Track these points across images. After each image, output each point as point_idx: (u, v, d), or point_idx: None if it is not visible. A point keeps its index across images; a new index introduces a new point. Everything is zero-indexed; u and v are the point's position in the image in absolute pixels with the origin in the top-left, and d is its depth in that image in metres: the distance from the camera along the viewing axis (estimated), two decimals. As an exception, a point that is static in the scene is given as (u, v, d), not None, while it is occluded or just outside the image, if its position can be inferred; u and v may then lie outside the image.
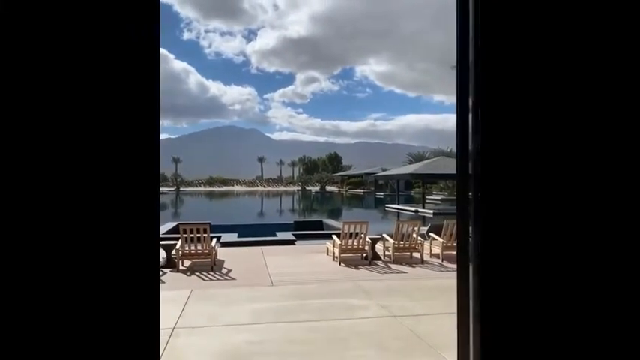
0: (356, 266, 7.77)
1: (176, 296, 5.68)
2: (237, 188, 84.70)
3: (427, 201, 24.32)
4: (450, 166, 20.98)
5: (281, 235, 11.57)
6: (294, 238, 11.28)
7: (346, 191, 57.23)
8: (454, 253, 8.41)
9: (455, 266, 7.05)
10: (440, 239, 8.42)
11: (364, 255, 8.18)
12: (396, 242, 8.17)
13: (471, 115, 1.63)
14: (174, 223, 12.61)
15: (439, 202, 28.79)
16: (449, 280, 6.89)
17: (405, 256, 8.35)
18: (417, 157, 41.48)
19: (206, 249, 7.46)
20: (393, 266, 7.82)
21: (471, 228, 1.76)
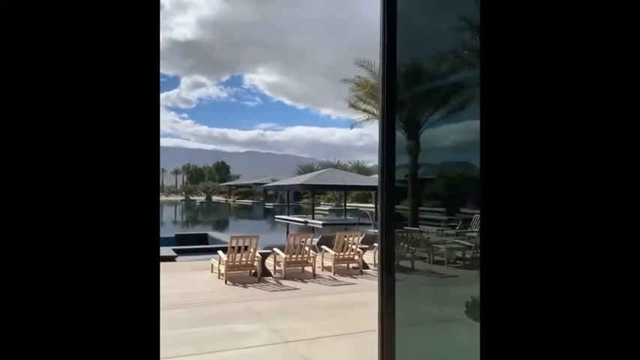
0: (244, 284, 7.13)
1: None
2: (111, 197, 76.57)
3: (316, 211, 24.57)
4: (336, 178, 21.51)
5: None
6: (174, 254, 10.14)
7: (234, 201, 55.76)
8: (345, 265, 8.33)
9: (348, 280, 6.77)
10: (332, 252, 8.21)
11: (253, 272, 7.57)
12: (288, 256, 7.73)
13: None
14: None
15: (327, 212, 29.39)
16: (343, 295, 6.65)
17: (297, 271, 7.95)
18: (307, 169, 42.12)
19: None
20: (284, 282, 7.35)
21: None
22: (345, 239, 8.28)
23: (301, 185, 21.26)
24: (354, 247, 8.29)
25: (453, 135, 3.23)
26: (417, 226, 4.00)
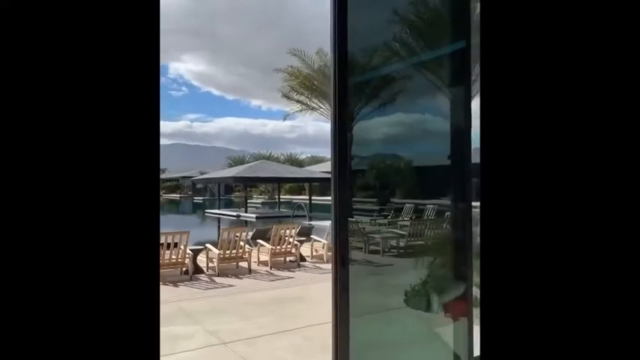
0: (175, 283, 6.70)
1: None
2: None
3: (249, 205, 24.09)
4: (269, 170, 21.19)
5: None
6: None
7: (161, 196, 53.26)
8: (282, 259, 8.16)
9: (286, 274, 6.63)
10: (268, 245, 7.99)
11: (184, 269, 7.15)
12: (221, 252, 7.40)
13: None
14: None
15: (260, 205, 28.96)
16: (281, 290, 6.48)
17: (231, 267, 7.64)
18: (237, 161, 41.05)
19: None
20: (218, 280, 7.02)
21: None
22: (282, 232, 8.11)
23: (233, 178, 20.63)
24: (290, 239, 8.15)
25: (383, 128, 3.24)
26: (352, 217, 3.97)
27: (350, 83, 3.24)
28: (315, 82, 15.20)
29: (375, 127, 3.33)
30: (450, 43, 3.14)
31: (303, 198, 26.88)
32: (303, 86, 15.69)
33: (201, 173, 30.29)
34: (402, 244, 7.07)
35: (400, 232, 7.64)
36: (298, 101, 16.34)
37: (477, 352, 2.75)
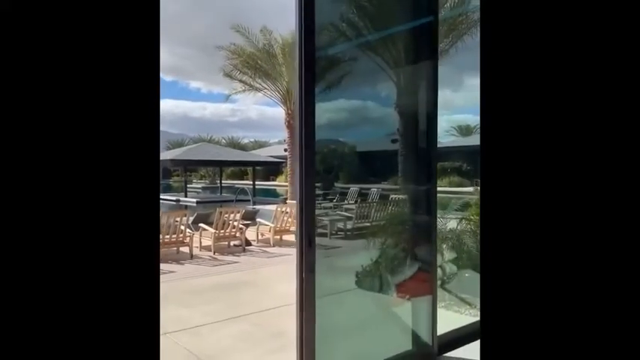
0: (108, 272, 6.17)
1: None
2: None
3: (188, 189, 23.12)
4: (210, 153, 20.45)
5: None
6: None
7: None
8: (226, 244, 7.83)
9: (231, 258, 6.28)
10: (211, 230, 7.62)
11: (119, 256, 6.61)
12: (160, 237, 6.93)
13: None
14: None
15: (200, 190, 28.01)
16: (225, 275, 6.20)
17: (172, 252, 7.20)
18: (176, 144, 39.28)
19: None
20: (157, 266, 6.58)
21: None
22: (227, 216, 7.77)
23: (171, 161, 19.61)
24: (235, 223, 7.83)
25: (327, 113, 3.17)
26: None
27: (297, 65, 3.04)
28: (259, 62, 14.69)
29: (318, 113, 3.24)
30: (415, 18, 3.01)
31: (246, 183, 26.34)
32: (246, 65, 15.11)
33: (137, 156, 28.51)
34: (349, 226, 7.04)
35: (347, 214, 7.63)
36: (241, 81, 15.74)
37: (440, 330, 2.70)
